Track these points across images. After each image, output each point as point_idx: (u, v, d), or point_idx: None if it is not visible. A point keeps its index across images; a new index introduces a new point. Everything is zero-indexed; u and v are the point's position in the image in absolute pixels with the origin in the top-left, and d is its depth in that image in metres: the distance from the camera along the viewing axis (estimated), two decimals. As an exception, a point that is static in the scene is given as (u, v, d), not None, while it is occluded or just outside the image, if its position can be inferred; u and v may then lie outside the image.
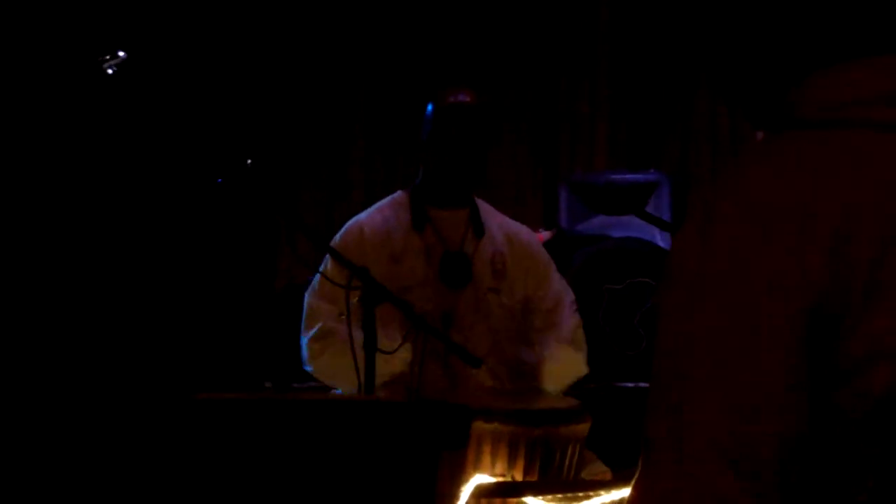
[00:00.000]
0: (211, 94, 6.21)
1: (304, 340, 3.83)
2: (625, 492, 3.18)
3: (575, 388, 3.92)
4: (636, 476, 1.22)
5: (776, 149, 1.26)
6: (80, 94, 5.60)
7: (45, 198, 5.50)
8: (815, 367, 1.18)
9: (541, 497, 3.13)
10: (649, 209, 5.79)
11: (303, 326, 3.84)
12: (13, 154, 5.41)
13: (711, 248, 1.21)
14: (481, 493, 3.10)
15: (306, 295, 3.86)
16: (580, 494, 3.19)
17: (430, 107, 3.87)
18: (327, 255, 3.74)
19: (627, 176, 6.15)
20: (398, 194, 3.96)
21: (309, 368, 3.85)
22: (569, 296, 3.96)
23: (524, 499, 3.13)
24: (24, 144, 5.50)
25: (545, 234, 4.90)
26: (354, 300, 3.53)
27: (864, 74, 1.25)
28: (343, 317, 3.57)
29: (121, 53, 3.55)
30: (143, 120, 5.80)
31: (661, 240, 5.63)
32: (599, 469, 3.58)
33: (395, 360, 3.61)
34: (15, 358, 5.01)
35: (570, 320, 3.92)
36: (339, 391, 3.83)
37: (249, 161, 3.60)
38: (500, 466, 3.16)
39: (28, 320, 5.20)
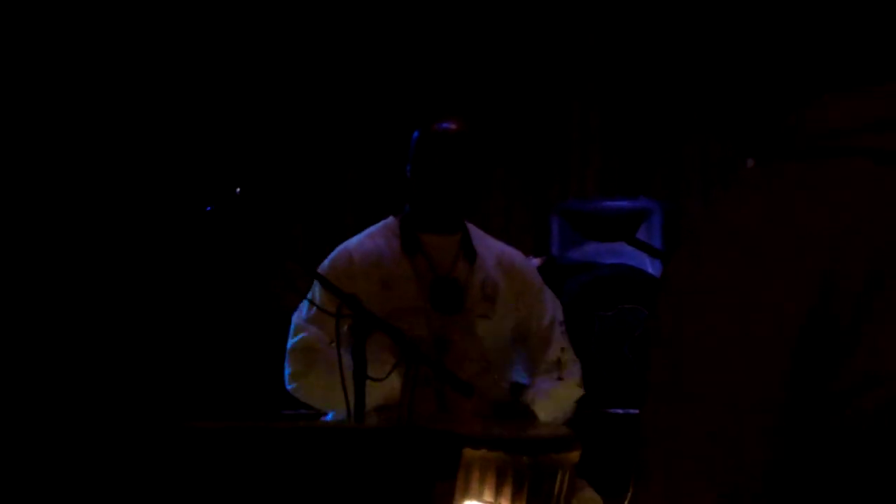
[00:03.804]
0: (201, 123, 6.21)
1: (288, 359, 3.82)
2: (616, 520, 3.17)
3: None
4: (627, 502, 1.22)
5: (769, 177, 1.26)
6: (69, 122, 5.60)
7: (36, 219, 5.49)
8: (808, 394, 1.17)
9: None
10: (640, 236, 5.80)
11: (287, 347, 3.83)
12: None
13: (703, 277, 1.20)
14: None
15: (293, 316, 3.85)
16: (571, 522, 3.19)
17: (416, 134, 3.88)
18: (316, 283, 3.73)
19: (618, 203, 6.16)
20: (389, 220, 3.96)
21: (291, 387, 3.83)
22: (559, 317, 3.96)
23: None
24: (14, 168, 5.50)
25: (536, 261, 4.89)
26: (345, 328, 3.52)
27: (860, 102, 1.25)
28: (333, 344, 3.56)
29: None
30: (133, 147, 5.80)
31: (651, 267, 5.64)
32: (590, 496, 3.57)
33: (384, 385, 3.60)
34: (5, 378, 5.00)
35: (556, 344, 3.91)
36: (329, 416, 3.82)
37: (238, 189, 3.59)
38: (489, 494, 3.15)
39: (17, 339, 5.19)
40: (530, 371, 3.90)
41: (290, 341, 3.83)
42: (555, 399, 3.85)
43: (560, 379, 3.88)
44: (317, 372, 3.74)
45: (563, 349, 3.91)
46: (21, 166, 5.53)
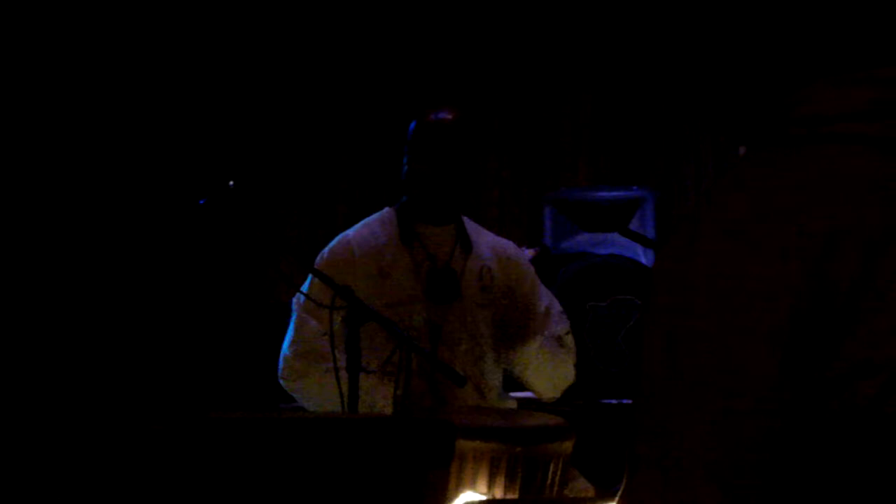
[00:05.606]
0: (195, 116, 6.20)
1: (287, 354, 3.82)
2: (609, 509, 3.17)
3: (559, 405, 3.91)
4: (620, 493, 1.22)
5: (762, 168, 1.25)
6: (64, 115, 5.60)
7: (31, 214, 5.49)
8: (802, 382, 1.17)
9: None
10: (633, 226, 5.80)
11: (287, 340, 3.83)
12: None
13: (695, 267, 1.20)
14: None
15: (293, 308, 3.84)
16: (564, 512, 3.19)
17: (412, 125, 3.89)
18: (311, 274, 3.74)
19: (611, 193, 6.16)
20: (386, 211, 3.96)
21: (284, 384, 3.83)
22: (557, 306, 3.97)
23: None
24: (9, 165, 5.49)
25: (529, 252, 4.89)
26: (339, 319, 3.52)
27: (854, 88, 1.24)
28: (326, 336, 3.57)
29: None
30: (127, 141, 5.80)
31: (644, 257, 5.64)
32: (583, 486, 3.57)
33: (377, 394, 3.62)
34: (23, 375, 5.00)
35: (559, 325, 3.93)
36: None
37: (232, 182, 3.59)
38: (482, 485, 3.16)
39: (29, 339, 5.19)
40: (529, 347, 3.90)
41: (286, 343, 3.82)
42: (555, 365, 3.88)
43: (562, 347, 3.91)
44: (313, 377, 3.74)
45: (567, 332, 3.93)
46: (17, 162, 5.52)
